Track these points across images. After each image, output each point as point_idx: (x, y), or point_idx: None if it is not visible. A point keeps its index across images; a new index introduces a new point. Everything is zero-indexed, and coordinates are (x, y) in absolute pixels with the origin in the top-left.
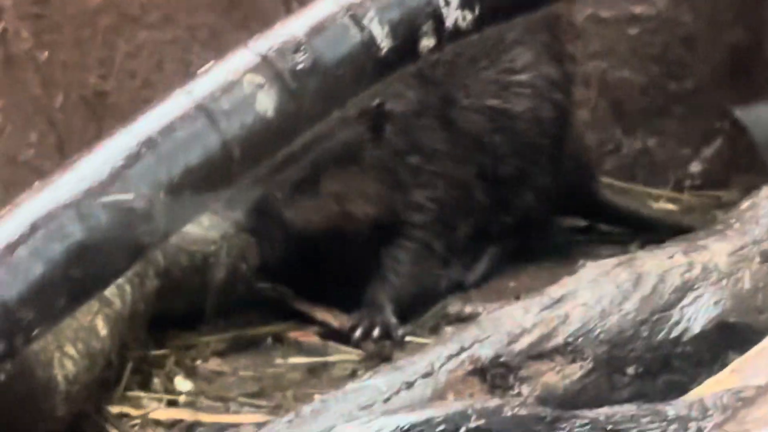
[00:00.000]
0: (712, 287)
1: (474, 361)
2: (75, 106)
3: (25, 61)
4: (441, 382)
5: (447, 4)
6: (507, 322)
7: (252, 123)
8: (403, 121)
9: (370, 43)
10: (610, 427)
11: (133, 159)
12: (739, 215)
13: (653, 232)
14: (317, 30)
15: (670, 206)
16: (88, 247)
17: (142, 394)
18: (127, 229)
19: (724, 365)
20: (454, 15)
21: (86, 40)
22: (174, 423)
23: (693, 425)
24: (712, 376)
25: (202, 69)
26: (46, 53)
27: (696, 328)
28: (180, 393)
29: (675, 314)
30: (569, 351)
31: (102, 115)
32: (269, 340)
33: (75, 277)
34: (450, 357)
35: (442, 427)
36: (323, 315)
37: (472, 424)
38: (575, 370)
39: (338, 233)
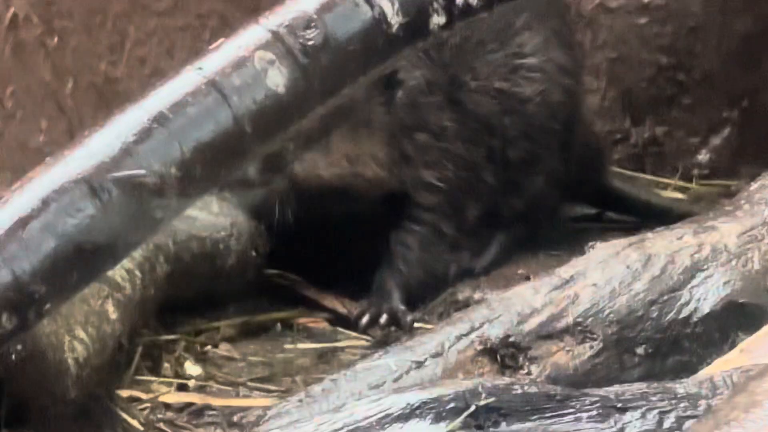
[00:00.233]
0: (722, 268)
1: (484, 341)
2: (85, 93)
3: (35, 48)
4: (451, 362)
5: None
6: (517, 302)
7: (263, 99)
8: (411, 97)
9: (380, 19)
10: (619, 405)
11: (144, 134)
12: (749, 196)
13: (662, 221)
14: (328, 6)
15: (679, 195)
16: (99, 222)
17: (152, 378)
18: (139, 205)
19: (733, 345)
20: None
21: (96, 27)
22: (184, 407)
23: (703, 403)
24: (722, 356)
25: (213, 45)
26: (57, 39)
27: (705, 309)
28: (190, 377)
29: (684, 294)
30: (579, 331)
31: (112, 101)
32: (278, 326)
33: (87, 252)
34: (460, 337)
35: (452, 405)
36: (332, 302)
37: (482, 402)
38: (585, 350)
39: (347, 195)
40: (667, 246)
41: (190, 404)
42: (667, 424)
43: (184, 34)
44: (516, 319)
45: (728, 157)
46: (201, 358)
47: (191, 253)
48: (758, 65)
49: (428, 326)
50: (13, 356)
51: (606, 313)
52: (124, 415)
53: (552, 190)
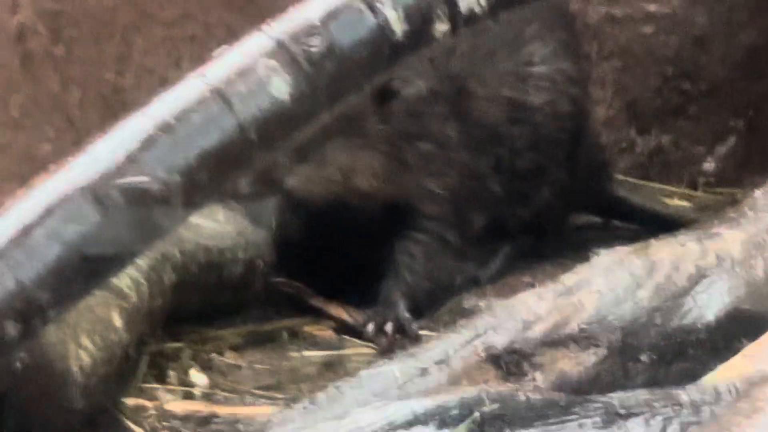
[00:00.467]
0: (726, 275)
1: (488, 348)
2: (92, 103)
3: (42, 58)
4: (455, 369)
5: None
6: (521, 309)
7: (268, 106)
8: (412, 106)
9: (384, 27)
10: (623, 411)
11: (148, 142)
12: (753, 204)
13: (668, 230)
14: (332, 14)
15: (684, 204)
16: (103, 230)
17: (158, 386)
18: (143, 212)
19: (737, 353)
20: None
21: (104, 37)
22: (190, 415)
23: (706, 409)
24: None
25: (216, 52)
26: (64, 50)
27: (709, 316)
28: (196, 386)
29: (688, 302)
30: (583, 338)
31: (119, 111)
32: (284, 334)
33: (91, 259)
34: (464, 344)
35: (456, 412)
36: (338, 311)
37: (486, 409)
38: (589, 358)
39: (343, 208)
40: (671, 253)
41: (195, 412)
42: (670, 431)
43: (190, 45)
44: (520, 327)
45: (734, 166)
46: (207, 367)
47: (198, 262)
48: (763, 75)
49: (433, 334)
50: (19, 365)
51: (610, 320)
52: (130, 424)
53: (558, 201)
